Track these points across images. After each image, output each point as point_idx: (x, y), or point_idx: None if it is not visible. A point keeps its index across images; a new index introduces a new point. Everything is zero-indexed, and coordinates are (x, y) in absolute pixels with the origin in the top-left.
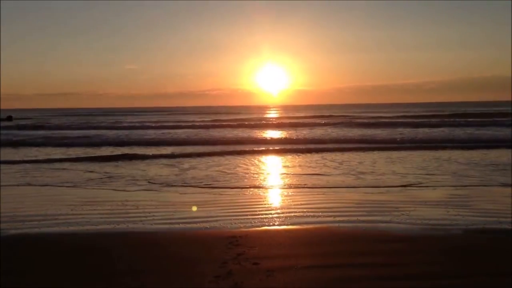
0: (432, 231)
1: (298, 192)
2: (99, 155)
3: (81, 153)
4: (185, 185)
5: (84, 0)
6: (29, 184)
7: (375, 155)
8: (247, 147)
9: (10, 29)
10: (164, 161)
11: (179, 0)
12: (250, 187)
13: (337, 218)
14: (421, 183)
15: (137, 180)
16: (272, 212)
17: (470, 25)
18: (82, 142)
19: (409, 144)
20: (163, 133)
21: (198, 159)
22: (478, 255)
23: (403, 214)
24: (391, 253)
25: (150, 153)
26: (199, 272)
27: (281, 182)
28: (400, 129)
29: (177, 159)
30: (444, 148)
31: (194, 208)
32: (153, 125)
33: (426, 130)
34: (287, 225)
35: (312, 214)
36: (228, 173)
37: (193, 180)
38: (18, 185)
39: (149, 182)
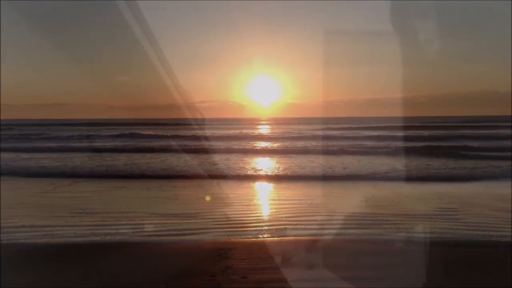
0: (422, 245)
1: (288, 204)
2: None
3: None
4: (174, 197)
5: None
6: None
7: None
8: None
9: None
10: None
11: (171, 11)
12: (238, 200)
13: (328, 231)
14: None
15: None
16: (262, 224)
17: (462, 39)
18: None
19: None
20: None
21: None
22: (468, 268)
23: (393, 227)
24: (382, 266)
25: None
26: (187, 285)
27: (270, 194)
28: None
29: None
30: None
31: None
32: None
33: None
34: (276, 237)
35: (302, 226)
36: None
37: (180, 193)
38: None
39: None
